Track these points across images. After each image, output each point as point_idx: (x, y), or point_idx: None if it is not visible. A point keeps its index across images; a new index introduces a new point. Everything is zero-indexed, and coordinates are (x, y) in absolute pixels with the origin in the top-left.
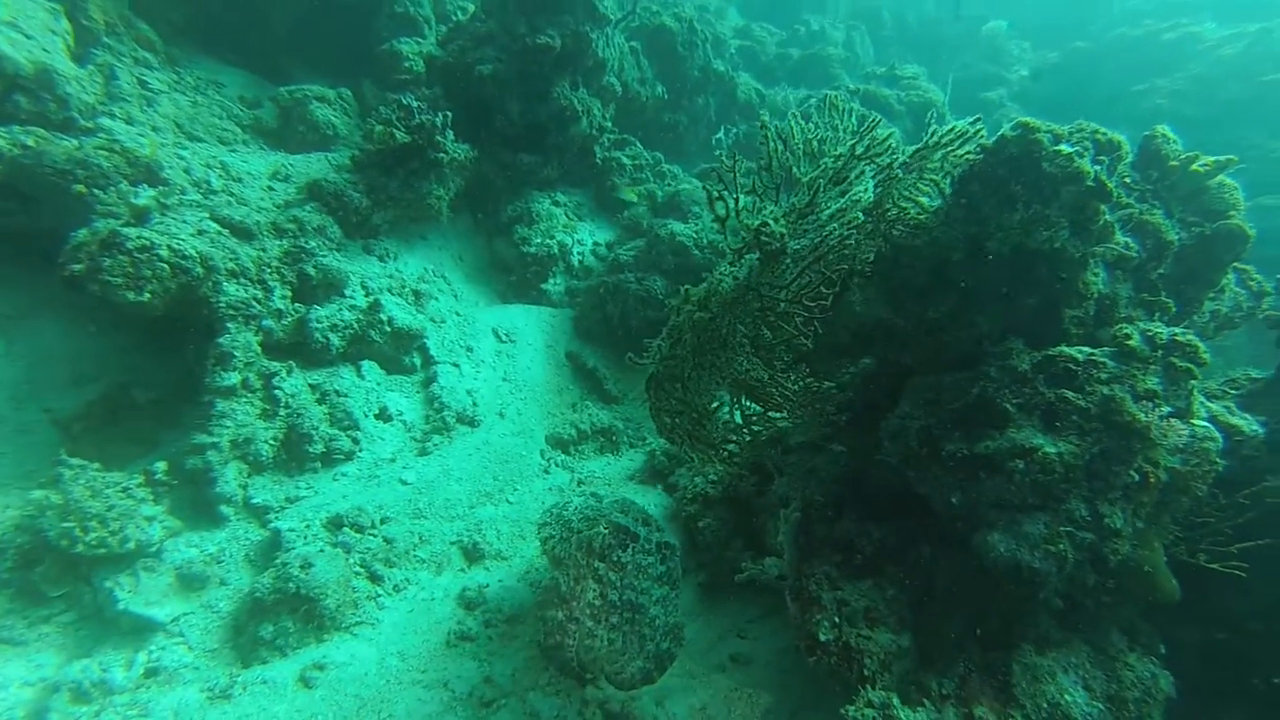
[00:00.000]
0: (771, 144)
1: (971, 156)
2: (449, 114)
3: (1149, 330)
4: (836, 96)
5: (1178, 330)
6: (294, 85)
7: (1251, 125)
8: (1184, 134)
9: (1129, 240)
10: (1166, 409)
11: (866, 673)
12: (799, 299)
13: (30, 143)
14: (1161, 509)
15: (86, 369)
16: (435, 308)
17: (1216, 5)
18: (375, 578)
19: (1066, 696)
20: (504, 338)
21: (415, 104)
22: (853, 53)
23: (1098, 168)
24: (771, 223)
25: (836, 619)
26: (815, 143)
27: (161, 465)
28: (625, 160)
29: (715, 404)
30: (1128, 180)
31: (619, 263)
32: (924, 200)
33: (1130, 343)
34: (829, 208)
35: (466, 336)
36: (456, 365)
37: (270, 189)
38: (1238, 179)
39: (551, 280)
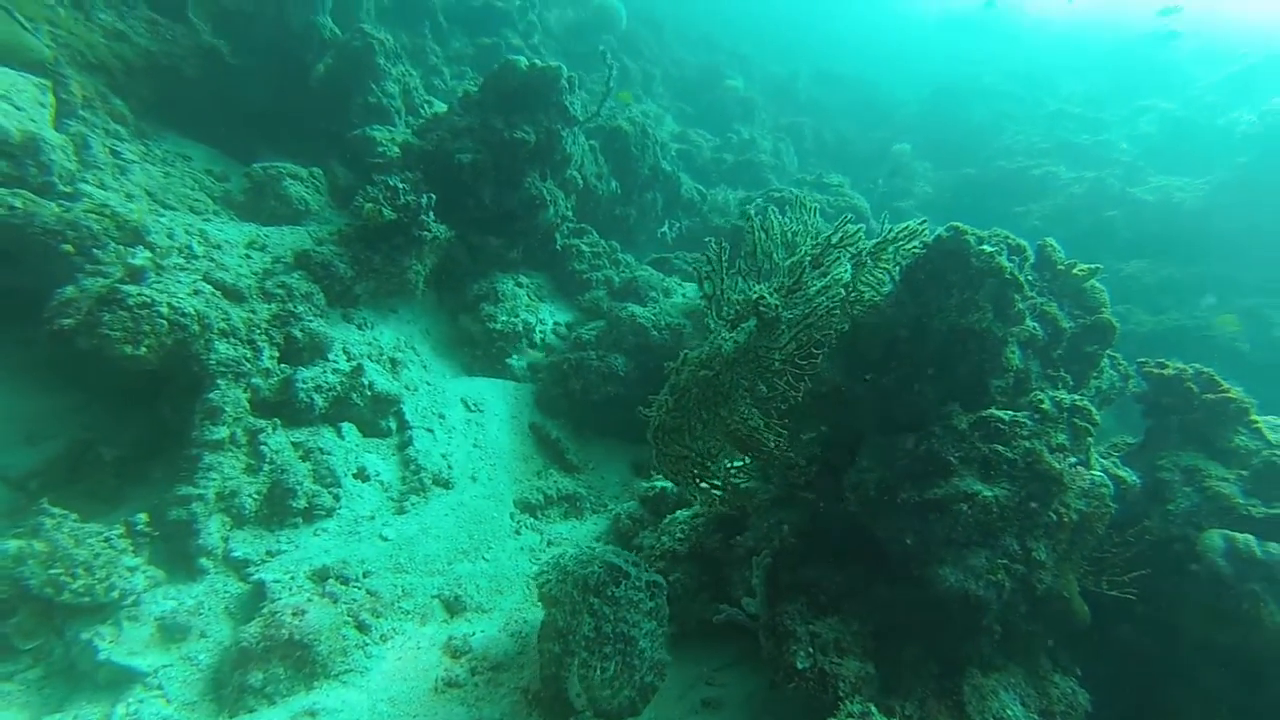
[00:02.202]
0: (756, 234)
1: (917, 250)
2: (433, 196)
3: (1056, 397)
4: (804, 197)
5: (1077, 397)
6: (265, 162)
7: (1099, 248)
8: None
9: (1036, 325)
10: (1073, 459)
11: (841, 694)
12: (791, 359)
13: (18, 204)
14: (1073, 545)
15: (40, 427)
16: (408, 376)
17: (1064, 154)
18: (363, 627)
19: (1008, 711)
20: (472, 407)
21: (401, 185)
22: (779, 160)
23: (1012, 264)
24: (768, 295)
25: (811, 649)
26: (789, 234)
27: (143, 516)
28: (584, 248)
29: (718, 450)
30: (1030, 278)
31: (581, 341)
32: (879, 282)
33: (1044, 406)
34: (815, 285)
35: (438, 405)
36: (430, 431)
37: (248, 257)
38: None
39: (516, 356)
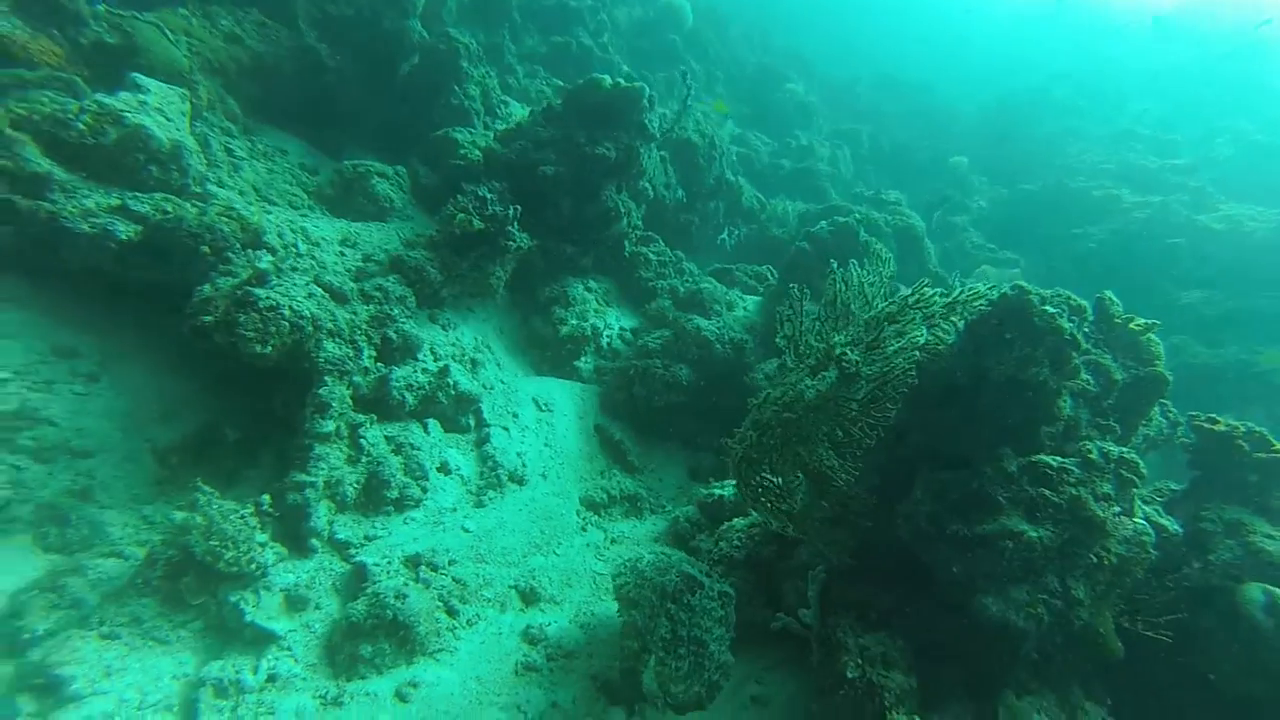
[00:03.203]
0: (837, 285)
1: (983, 307)
2: (519, 208)
3: (1104, 448)
4: (880, 247)
5: (1124, 449)
6: (354, 159)
7: (1158, 274)
8: (1111, 276)
9: (1089, 377)
10: (1117, 509)
11: (886, 704)
12: (868, 411)
13: (169, 209)
14: (1112, 586)
15: (173, 406)
16: (485, 375)
17: (1129, 176)
18: (452, 612)
19: None
20: (543, 407)
21: (489, 195)
22: (836, 169)
23: (1071, 324)
24: (850, 352)
25: (860, 660)
26: (866, 285)
27: (266, 498)
28: (651, 256)
29: (796, 485)
30: (1087, 332)
31: (648, 349)
32: (945, 332)
33: (1091, 455)
34: (893, 344)
35: (512, 404)
36: (506, 429)
37: (342, 254)
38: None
39: (583, 359)
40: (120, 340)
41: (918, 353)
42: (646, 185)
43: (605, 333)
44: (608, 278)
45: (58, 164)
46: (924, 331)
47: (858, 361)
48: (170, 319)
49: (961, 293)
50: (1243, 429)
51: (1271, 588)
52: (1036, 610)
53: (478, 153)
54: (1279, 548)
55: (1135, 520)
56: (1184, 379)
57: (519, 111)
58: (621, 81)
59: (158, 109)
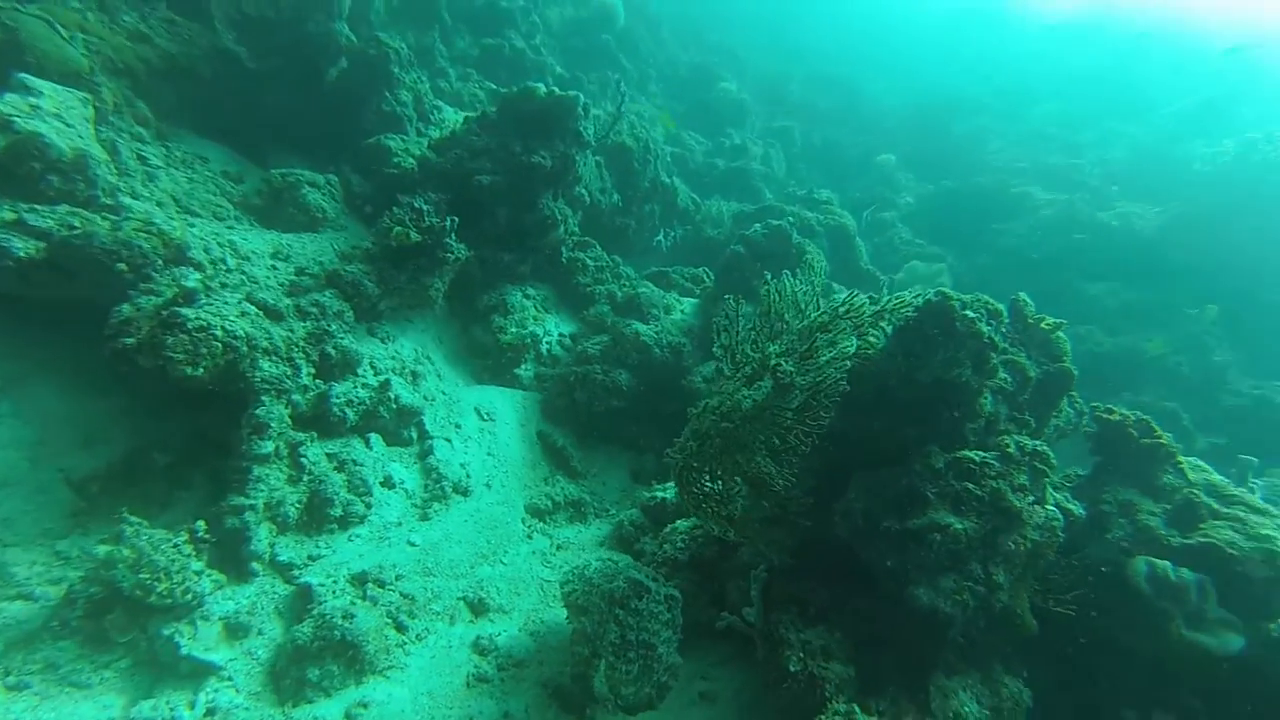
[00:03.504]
0: (772, 295)
1: (909, 313)
2: (456, 219)
3: (1020, 442)
4: (813, 251)
5: (1038, 443)
6: (281, 167)
7: (1069, 268)
8: (1028, 271)
9: (1007, 375)
10: (1031, 498)
11: (827, 694)
12: (803, 419)
13: (77, 224)
14: (1027, 569)
15: (94, 432)
16: (426, 387)
17: (1039, 174)
18: (401, 627)
19: (965, 708)
20: (485, 416)
21: (426, 207)
22: (769, 167)
23: (990, 327)
24: (785, 364)
25: (802, 654)
26: (799, 295)
27: (202, 524)
28: (589, 261)
29: (736, 491)
30: (1004, 332)
31: (587, 355)
32: (875, 339)
33: (1009, 449)
34: (825, 354)
35: (454, 414)
36: (449, 440)
37: (274, 268)
38: (1063, 317)
39: (524, 366)
40: (22, 363)
41: (848, 361)
42: (583, 191)
43: (545, 339)
44: (546, 284)
45: None
46: (854, 341)
47: (792, 372)
48: (84, 339)
49: (889, 301)
50: (1133, 418)
51: (1152, 559)
52: (962, 597)
53: (411, 161)
54: (1160, 523)
55: (1047, 508)
56: (1091, 366)
57: (452, 116)
58: (556, 90)
59: (55, 114)
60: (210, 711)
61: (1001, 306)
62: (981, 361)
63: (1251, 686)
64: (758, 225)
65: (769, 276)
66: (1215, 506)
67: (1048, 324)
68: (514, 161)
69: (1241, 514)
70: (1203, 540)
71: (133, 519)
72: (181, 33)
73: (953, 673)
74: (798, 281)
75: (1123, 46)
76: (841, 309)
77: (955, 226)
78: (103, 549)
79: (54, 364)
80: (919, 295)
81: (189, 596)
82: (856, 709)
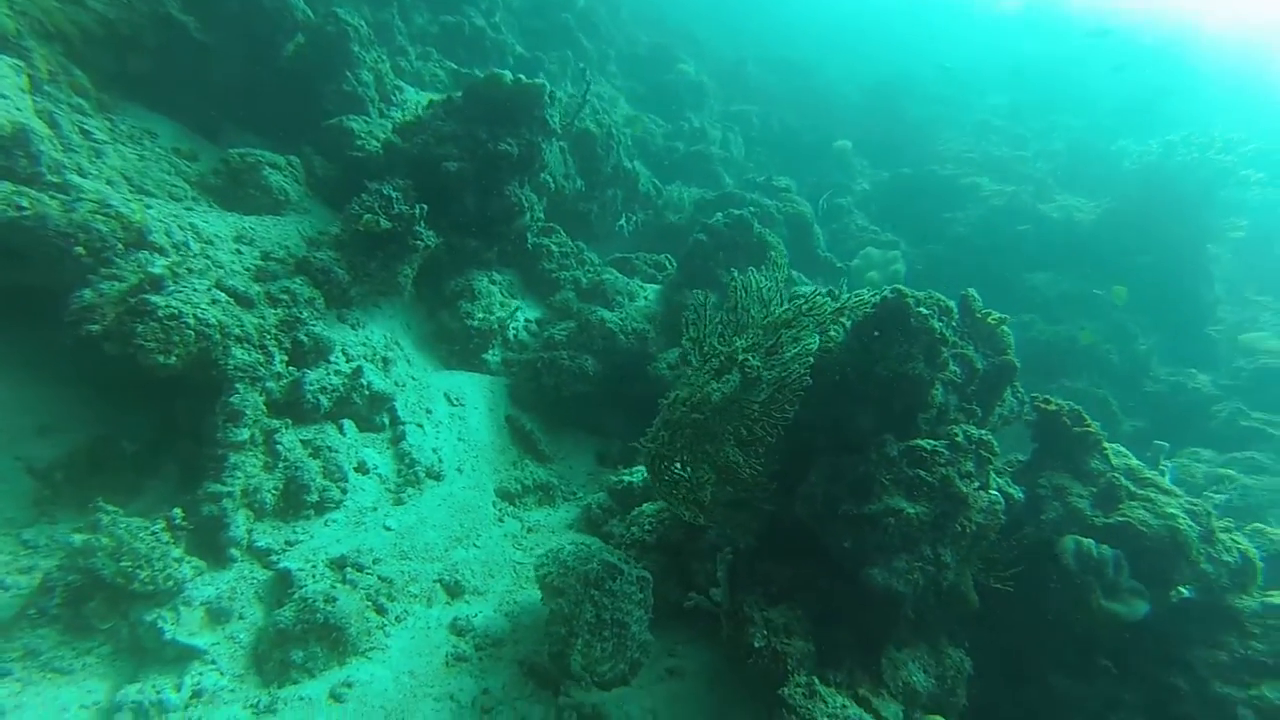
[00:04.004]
0: (738, 291)
1: (866, 310)
2: (425, 206)
3: (968, 431)
4: (774, 240)
5: (983, 432)
6: (236, 145)
7: (1014, 257)
8: (977, 258)
9: (956, 368)
10: (977, 484)
11: (789, 668)
12: (769, 411)
13: (25, 204)
14: (972, 550)
15: (51, 419)
16: (397, 373)
17: (987, 165)
18: (380, 610)
19: (914, 678)
20: (454, 401)
21: (395, 194)
22: (728, 152)
23: (941, 324)
24: (751, 358)
25: (765, 631)
26: (763, 290)
27: (179, 511)
28: (554, 247)
29: (706, 479)
30: (954, 326)
31: (554, 341)
32: (834, 334)
33: (957, 438)
34: (790, 350)
35: (424, 400)
36: (420, 426)
37: (239, 252)
38: (1008, 305)
39: (491, 351)
40: None
41: (811, 358)
42: (548, 178)
43: (512, 325)
44: (512, 270)
45: None
46: (817, 339)
47: (759, 367)
48: (38, 324)
49: (849, 299)
50: (1067, 408)
51: (1080, 537)
52: (914, 576)
53: (376, 144)
54: (1087, 504)
55: (990, 492)
56: (1033, 353)
57: (413, 96)
58: (523, 78)
59: None
60: (196, 694)
61: (952, 303)
62: (933, 355)
63: (1151, 647)
64: (720, 215)
65: (735, 273)
66: (1132, 488)
67: (994, 319)
68: (481, 149)
69: (1152, 495)
70: (1120, 519)
71: (109, 507)
72: None
73: (903, 645)
74: (762, 276)
75: (1071, 40)
76: (805, 306)
77: (909, 214)
78: (79, 538)
79: (3, 352)
80: (877, 293)
81: (170, 583)
82: (816, 681)
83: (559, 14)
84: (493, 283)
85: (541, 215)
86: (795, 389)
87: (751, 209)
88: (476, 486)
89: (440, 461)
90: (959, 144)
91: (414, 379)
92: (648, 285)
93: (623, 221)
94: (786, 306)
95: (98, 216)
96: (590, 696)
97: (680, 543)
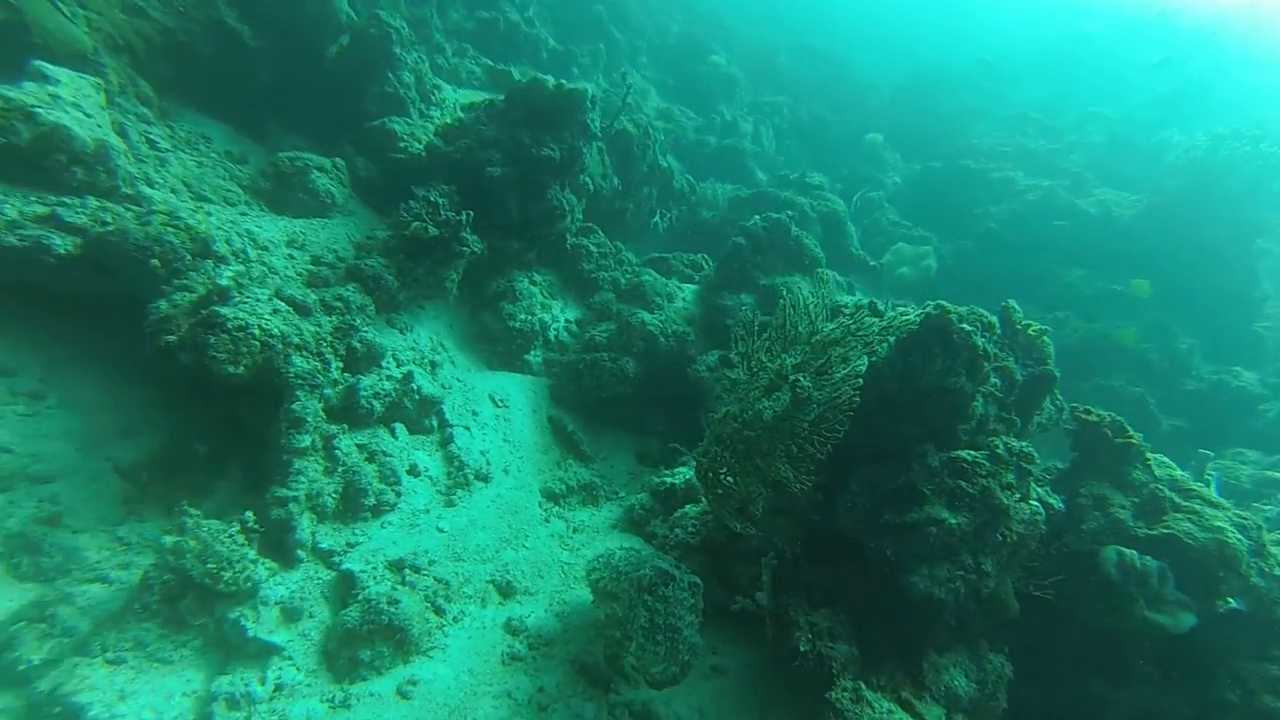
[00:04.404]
0: (786, 307)
1: (910, 326)
2: (470, 212)
3: (1008, 443)
4: (823, 273)
5: (1024, 444)
6: (282, 145)
7: (1046, 253)
8: (1010, 255)
9: (997, 380)
10: (1018, 495)
11: (834, 671)
12: (819, 430)
13: (109, 220)
14: (1012, 559)
15: (130, 421)
16: (444, 376)
17: (1022, 159)
18: (439, 610)
19: (955, 682)
20: (499, 403)
21: (441, 201)
22: (760, 145)
23: (984, 339)
24: (802, 379)
25: (810, 635)
26: (811, 307)
27: (250, 515)
28: (592, 248)
29: (757, 493)
30: (995, 341)
31: (594, 342)
32: (878, 348)
33: (998, 450)
34: (840, 371)
35: (470, 401)
36: (467, 428)
37: (290, 257)
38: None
39: (533, 352)
40: (61, 354)
41: (860, 379)
42: (586, 179)
43: (552, 326)
44: (551, 270)
45: None
46: (865, 361)
47: (809, 387)
48: (118, 330)
49: (894, 316)
50: (1108, 419)
51: (1121, 548)
52: (955, 585)
53: (418, 146)
54: (1129, 515)
55: (1031, 503)
56: (1067, 351)
57: (451, 95)
58: (564, 83)
59: (74, 103)
60: (278, 687)
61: (994, 319)
62: (975, 369)
63: (1197, 657)
64: (757, 218)
65: (784, 291)
66: (1177, 500)
67: (1034, 330)
68: (523, 153)
69: (1198, 507)
70: (1165, 531)
71: (192, 511)
72: (176, 4)
73: (944, 650)
74: (809, 293)
75: (1108, 24)
76: (853, 326)
77: (941, 208)
78: (169, 539)
79: (86, 355)
80: (921, 311)
81: (249, 584)
82: (863, 685)
83: (591, 5)
84: (533, 283)
85: (580, 216)
86: (845, 410)
87: (789, 212)
88: (523, 487)
89: (488, 463)
90: (992, 137)
91: (460, 381)
92: (685, 286)
93: (657, 218)
94: (835, 325)
95: (169, 229)
96: (640, 694)
97: (722, 545)
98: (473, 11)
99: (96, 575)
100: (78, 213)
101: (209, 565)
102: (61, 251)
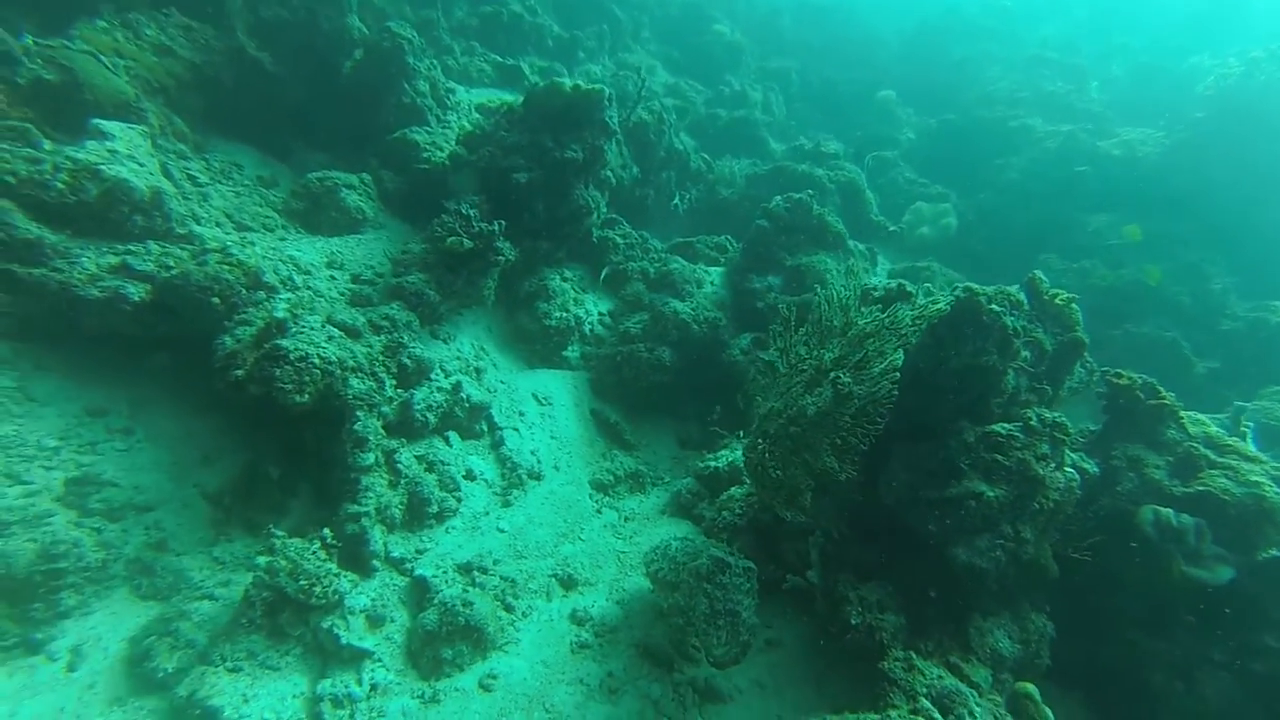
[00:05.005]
0: (823, 304)
1: (942, 310)
2: (503, 222)
3: (1041, 414)
4: (854, 265)
5: (1056, 414)
6: (305, 160)
7: (1071, 201)
8: (1029, 205)
9: (1027, 354)
10: (1052, 464)
11: (885, 642)
12: (861, 422)
13: (172, 263)
14: (1049, 524)
15: (209, 448)
16: (489, 380)
17: (1040, 103)
18: (509, 608)
19: (1000, 644)
20: (543, 401)
21: (472, 213)
22: (771, 114)
23: (1013, 318)
24: (842, 375)
25: (860, 609)
26: (845, 300)
27: (328, 532)
28: (619, 240)
29: (804, 485)
30: (1024, 314)
31: (629, 334)
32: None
33: (1031, 422)
34: (877, 365)
35: (515, 403)
36: (516, 429)
37: (332, 278)
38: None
39: (570, 348)
40: (140, 391)
41: (898, 373)
42: (608, 173)
43: (587, 320)
44: (580, 264)
45: (46, 227)
46: (901, 355)
47: (850, 383)
48: (184, 365)
49: (925, 304)
50: (1140, 381)
51: (1158, 507)
52: (996, 554)
53: (440, 155)
54: (1163, 475)
55: (1066, 470)
56: (1095, 300)
57: (464, 96)
58: (581, 84)
59: (129, 155)
60: (374, 687)
61: (1021, 295)
62: (1005, 347)
63: (1237, 606)
64: (779, 198)
65: (819, 287)
66: (1212, 457)
67: (1062, 299)
68: (547, 157)
69: (1234, 463)
70: (1201, 489)
71: (278, 533)
72: (198, 38)
73: (988, 614)
74: (842, 287)
75: None
76: (887, 320)
77: (957, 162)
78: (263, 559)
79: (161, 391)
80: (950, 296)
81: (336, 596)
82: (914, 655)
83: None
84: (564, 280)
85: (605, 209)
86: (885, 404)
87: (809, 191)
88: (573, 482)
89: (539, 462)
90: (1008, 82)
91: (503, 383)
92: (711, 269)
93: (677, 200)
94: (869, 319)
95: (224, 266)
96: (702, 671)
97: (769, 525)
98: (476, 7)
99: (203, 593)
100: (144, 260)
101: (301, 582)
102: (136, 299)
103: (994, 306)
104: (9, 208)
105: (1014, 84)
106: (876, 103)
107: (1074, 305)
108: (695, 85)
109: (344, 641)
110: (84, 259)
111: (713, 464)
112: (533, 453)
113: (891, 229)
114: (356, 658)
